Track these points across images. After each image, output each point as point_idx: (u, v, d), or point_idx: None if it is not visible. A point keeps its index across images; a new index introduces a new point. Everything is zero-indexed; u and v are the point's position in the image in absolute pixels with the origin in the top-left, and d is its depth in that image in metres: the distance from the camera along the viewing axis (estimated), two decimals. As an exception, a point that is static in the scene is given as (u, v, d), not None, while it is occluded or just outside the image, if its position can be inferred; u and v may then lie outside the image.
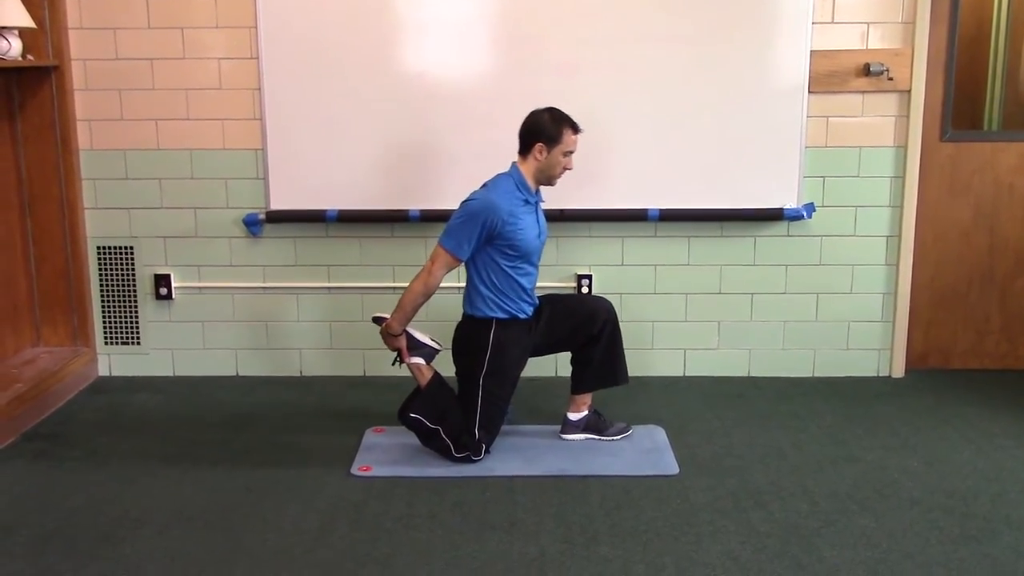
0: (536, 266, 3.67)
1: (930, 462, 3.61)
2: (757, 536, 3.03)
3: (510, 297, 3.57)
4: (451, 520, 3.14)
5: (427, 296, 3.54)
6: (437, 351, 3.70)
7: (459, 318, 3.69)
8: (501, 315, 3.57)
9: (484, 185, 3.58)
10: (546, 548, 2.96)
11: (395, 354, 3.67)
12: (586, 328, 3.69)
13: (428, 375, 3.65)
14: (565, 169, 3.58)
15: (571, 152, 3.55)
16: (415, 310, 3.57)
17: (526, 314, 3.63)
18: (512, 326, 3.60)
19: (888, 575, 2.80)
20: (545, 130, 3.49)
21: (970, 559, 2.89)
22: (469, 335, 3.62)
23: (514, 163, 3.58)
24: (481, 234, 3.46)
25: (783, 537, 3.02)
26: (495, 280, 3.55)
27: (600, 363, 3.72)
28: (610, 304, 3.75)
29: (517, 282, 3.57)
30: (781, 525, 3.10)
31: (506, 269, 3.54)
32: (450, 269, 3.53)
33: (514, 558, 2.90)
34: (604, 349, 3.71)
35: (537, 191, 3.63)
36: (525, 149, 3.55)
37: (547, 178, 3.59)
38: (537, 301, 3.71)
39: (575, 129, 3.53)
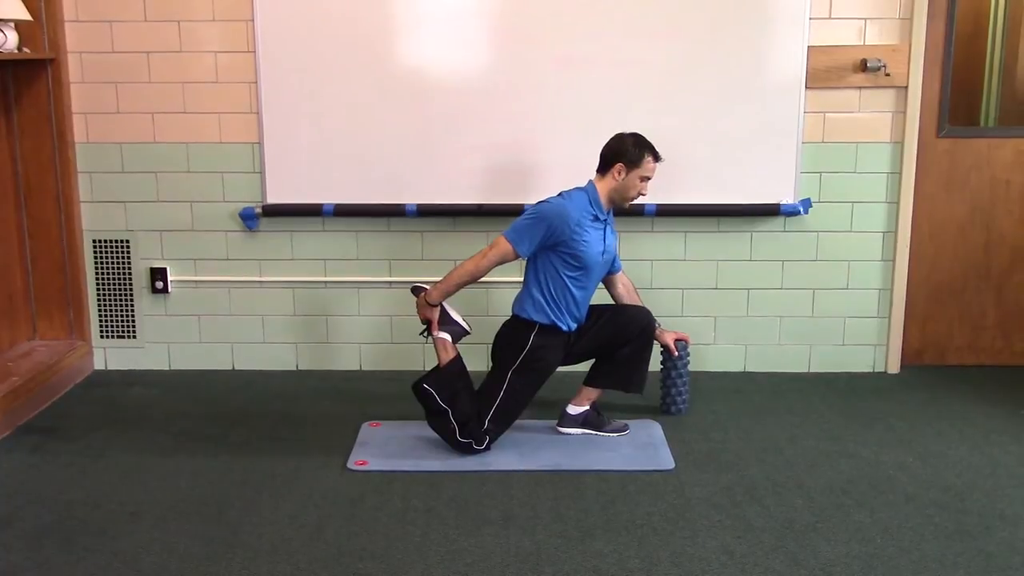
0: (595, 284, 3.72)
1: (925, 457, 3.62)
2: (752, 531, 3.04)
3: (560, 308, 3.62)
4: (447, 514, 3.14)
5: (474, 278, 3.60)
6: (466, 332, 3.73)
7: (504, 316, 3.75)
8: (544, 321, 3.62)
9: (560, 193, 3.64)
10: (542, 542, 2.96)
11: (425, 325, 3.69)
12: (623, 332, 3.74)
13: (452, 354, 3.67)
14: (640, 194, 3.66)
15: (648, 178, 3.63)
16: (458, 288, 3.61)
17: (569, 328, 3.67)
18: (553, 334, 3.64)
19: (883, 570, 2.81)
20: (627, 153, 3.58)
21: (965, 554, 2.90)
22: (510, 333, 3.68)
23: (591, 180, 3.66)
24: (545, 236, 3.52)
25: (778, 532, 3.03)
26: (551, 288, 3.60)
27: (621, 364, 3.75)
28: (650, 316, 3.80)
29: (571, 293, 3.61)
30: (776, 520, 3.11)
31: (565, 278, 3.58)
32: (504, 261, 3.57)
33: (510, 552, 2.90)
34: (631, 352, 3.74)
35: (609, 211, 3.68)
36: (604, 168, 3.62)
37: (621, 199, 3.66)
38: (584, 319, 3.73)
39: (656, 157, 3.62)
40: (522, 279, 3.72)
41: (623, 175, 3.59)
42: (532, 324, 3.63)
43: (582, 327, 3.73)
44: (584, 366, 3.85)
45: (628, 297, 3.91)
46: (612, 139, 3.64)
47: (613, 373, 3.78)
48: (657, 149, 3.62)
